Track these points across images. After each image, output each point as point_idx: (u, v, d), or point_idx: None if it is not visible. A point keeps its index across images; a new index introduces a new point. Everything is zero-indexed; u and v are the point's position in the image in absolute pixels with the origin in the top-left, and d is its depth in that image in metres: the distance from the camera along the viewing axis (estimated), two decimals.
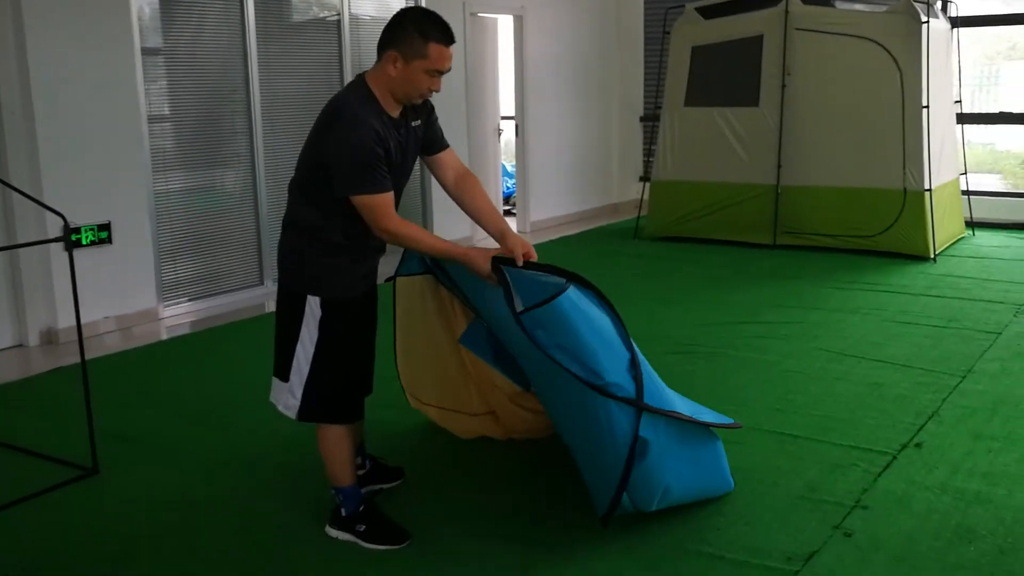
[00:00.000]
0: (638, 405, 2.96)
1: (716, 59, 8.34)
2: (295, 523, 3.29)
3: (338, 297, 2.99)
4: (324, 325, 2.97)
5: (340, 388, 3.07)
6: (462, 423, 3.95)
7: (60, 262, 5.51)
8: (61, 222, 3.75)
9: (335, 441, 3.10)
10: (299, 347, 3.00)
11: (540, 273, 3.03)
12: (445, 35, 2.87)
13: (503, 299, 3.01)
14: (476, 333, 3.64)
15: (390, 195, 2.90)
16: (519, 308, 2.97)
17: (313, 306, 2.97)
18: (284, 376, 3.06)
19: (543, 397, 3.45)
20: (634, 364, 3.03)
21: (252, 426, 4.21)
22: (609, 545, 3.08)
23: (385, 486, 3.51)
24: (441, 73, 2.92)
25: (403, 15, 2.90)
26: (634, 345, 3.10)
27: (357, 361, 3.12)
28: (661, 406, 3.04)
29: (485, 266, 2.98)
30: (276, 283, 3.15)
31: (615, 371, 2.96)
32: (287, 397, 3.07)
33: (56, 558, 3.11)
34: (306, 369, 3.01)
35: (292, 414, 3.07)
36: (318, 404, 3.05)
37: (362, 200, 2.85)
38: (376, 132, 2.84)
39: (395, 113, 2.95)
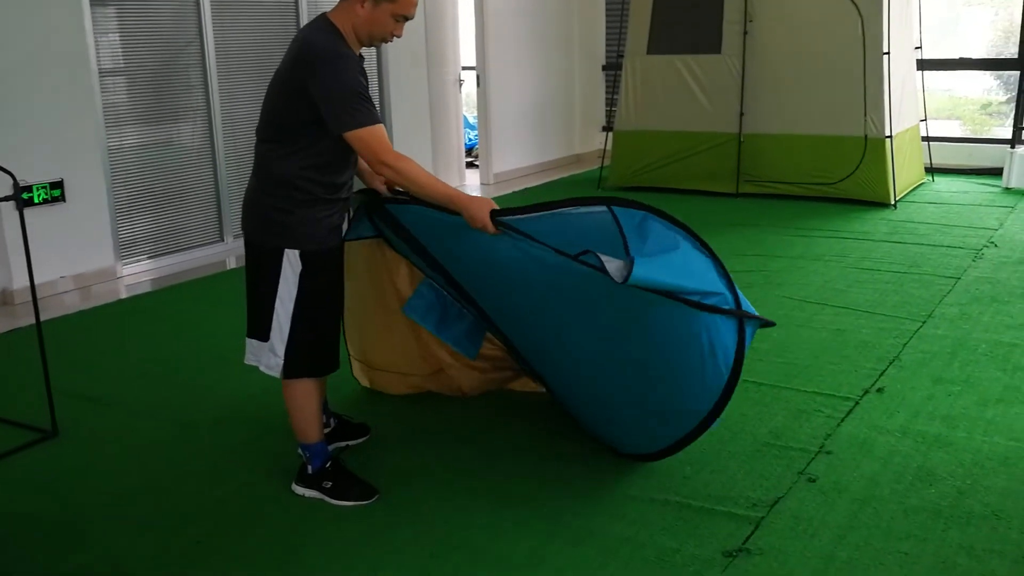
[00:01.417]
0: (739, 314, 2.81)
1: (678, 6, 8.26)
2: (260, 482, 3.27)
3: (315, 249, 2.95)
4: (304, 278, 2.93)
5: (320, 339, 3.05)
6: (407, 381, 3.91)
7: (13, 222, 5.37)
8: (11, 181, 3.65)
9: (303, 396, 3.08)
10: (278, 304, 2.95)
11: (572, 209, 2.85)
12: None
13: (511, 249, 2.92)
14: (420, 299, 3.58)
15: (382, 127, 2.85)
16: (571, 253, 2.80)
17: (292, 260, 2.92)
18: (263, 336, 3.00)
19: (551, 346, 3.27)
20: (722, 267, 2.88)
21: (214, 384, 4.17)
22: (577, 497, 3.10)
23: (351, 443, 3.50)
24: (407, 19, 2.92)
25: None
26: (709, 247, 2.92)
27: (335, 311, 3.11)
28: (749, 309, 2.88)
29: (484, 216, 2.86)
30: (236, 239, 3.09)
31: (713, 283, 2.80)
32: (268, 356, 3.01)
33: (16, 522, 3.06)
34: (287, 326, 2.96)
35: (276, 372, 3.03)
36: (301, 358, 3.02)
37: (360, 135, 2.79)
38: (359, 65, 2.86)
39: (357, 52, 2.94)
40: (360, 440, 3.53)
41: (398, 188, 3.14)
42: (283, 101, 2.88)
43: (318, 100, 2.79)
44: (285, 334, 2.97)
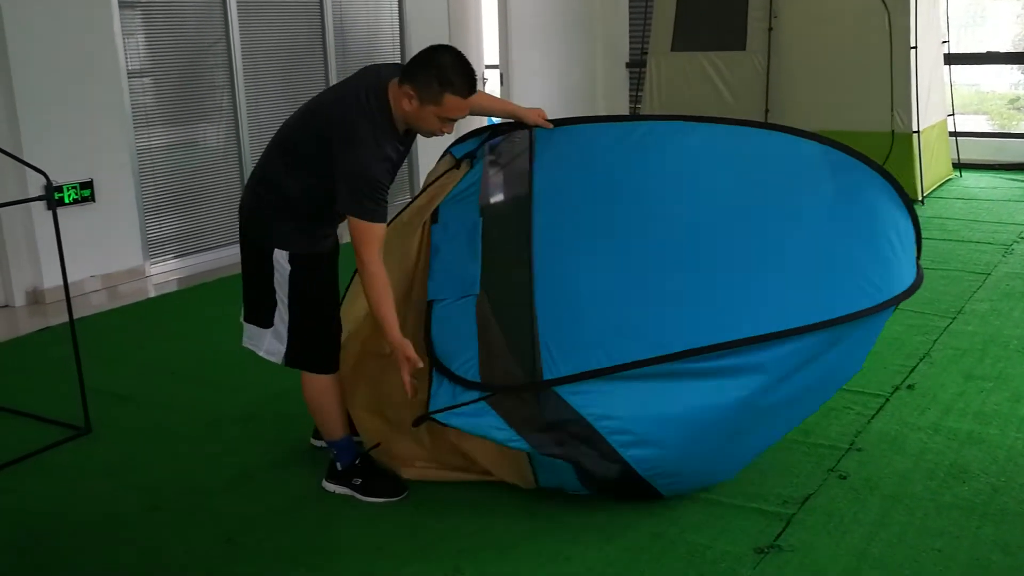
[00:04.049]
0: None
1: (702, 3, 8.23)
2: (290, 478, 3.29)
3: (303, 252, 2.98)
4: (293, 278, 2.97)
5: (316, 337, 3.07)
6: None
7: (43, 221, 5.43)
8: (43, 181, 3.69)
9: (321, 392, 3.10)
10: (278, 295, 3.00)
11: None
12: (465, 87, 2.80)
13: None
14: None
15: (383, 228, 2.84)
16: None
17: (281, 260, 2.96)
18: (266, 322, 3.04)
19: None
20: None
21: (243, 381, 4.19)
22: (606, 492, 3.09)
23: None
24: (454, 120, 2.87)
25: (432, 55, 2.80)
26: None
27: (330, 310, 3.10)
28: None
29: (406, 365, 2.80)
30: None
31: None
32: (270, 342, 3.05)
33: (51, 518, 3.10)
34: (287, 317, 3.00)
35: (277, 359, 3.06)
36: (301, 350, 3.05)
37: (358, 224, 2.79)
38: (391, 162, 2.84)
39: (401, 131, 2.92)
40: None
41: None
42: (314, 147, 2.89)
43: (340, 174, 2.80)
44: (287, 324, 3.01)
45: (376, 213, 2.79)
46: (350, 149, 2.78)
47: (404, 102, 2.81)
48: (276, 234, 2.96)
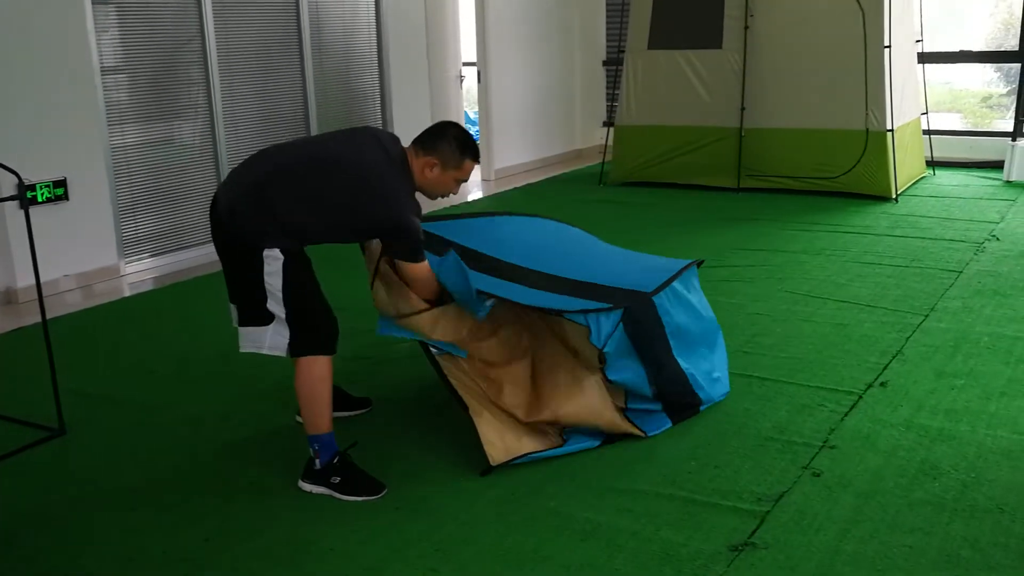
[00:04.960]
0: None
1: (679, 1, 8.26)
2: (268, 478, 3.29)
3: (291, 247, 3.12)
4: (287, 267, 3.09)
5: (320, 317, 3.19)
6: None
7: (16, 220, 5.39)
8: (15, 180, 3.67)
9: (319, 378, 3.15)
10: (268, 289, 3.08)
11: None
12: (477, 153, 3.31)
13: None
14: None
15: (428, 264, 3.28)
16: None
17: (272, 255, 3.08)
18: (263, 320, 3.12)
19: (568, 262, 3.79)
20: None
21: (219, 382, 4.18)
22: (583, 491, 3.12)
23: (348, 414, 3.66)
24: (464, 182, 3.35)
25: (446, 129, 3.29)
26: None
27: (320, 293, 3.24)
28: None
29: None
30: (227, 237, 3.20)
31: None
32: (272, 337, 3.13)
33: (25, 521, 3.08)
34: (284, 307, 3.10)
35: (282, 352, 3.14)
36: (308, 334, 3.14)
37: (418, 269, 3.22)
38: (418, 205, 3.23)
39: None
40: (359, 412, 3.72)
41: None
42: (343, 200, 3.10)
43: (384, 231, 3.18)
44: (285, 314, 3.10)
45: (424, 256, 3.24)
46: (405, 215, 3.11)
47: (427, 170, 3.23)
48: (265, 237, 3.08)
